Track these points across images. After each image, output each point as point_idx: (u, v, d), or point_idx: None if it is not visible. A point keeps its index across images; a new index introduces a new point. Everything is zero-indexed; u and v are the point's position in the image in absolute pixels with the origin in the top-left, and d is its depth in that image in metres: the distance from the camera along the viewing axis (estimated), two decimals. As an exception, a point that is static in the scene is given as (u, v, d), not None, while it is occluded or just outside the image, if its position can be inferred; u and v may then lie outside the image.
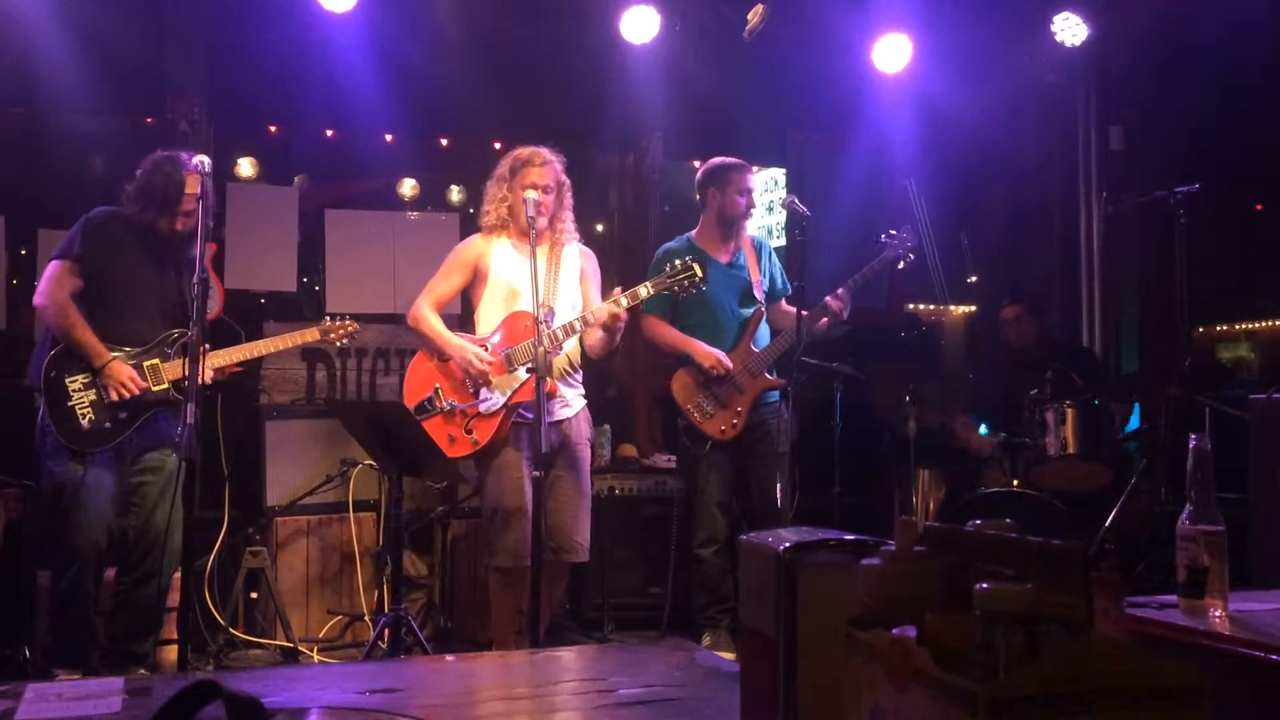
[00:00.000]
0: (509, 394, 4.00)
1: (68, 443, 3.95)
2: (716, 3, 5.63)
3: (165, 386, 4.07)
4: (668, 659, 1.59)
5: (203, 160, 3.63)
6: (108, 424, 3.99)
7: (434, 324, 4.16)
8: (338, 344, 4.54)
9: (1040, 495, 4.67)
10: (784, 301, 4.98)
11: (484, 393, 4.04)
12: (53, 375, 3.96)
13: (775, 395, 4.84)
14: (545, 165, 4.11)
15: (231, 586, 4.70)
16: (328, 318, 4.49)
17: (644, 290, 4.09)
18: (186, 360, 4.00)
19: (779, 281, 5.02)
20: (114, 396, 3.96)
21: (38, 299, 4.05)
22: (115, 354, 4.00)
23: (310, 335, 4.40)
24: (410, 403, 4.09)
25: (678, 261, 4.13)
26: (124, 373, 3.97)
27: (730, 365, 4.68)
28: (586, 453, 4.22)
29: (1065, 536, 0.75)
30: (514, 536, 3.92)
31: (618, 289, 4.08)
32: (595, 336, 4.12)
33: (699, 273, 4.07)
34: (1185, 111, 6.25)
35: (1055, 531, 0.77)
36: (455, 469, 4.18)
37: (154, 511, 4.09)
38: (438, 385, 4.10)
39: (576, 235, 4.27)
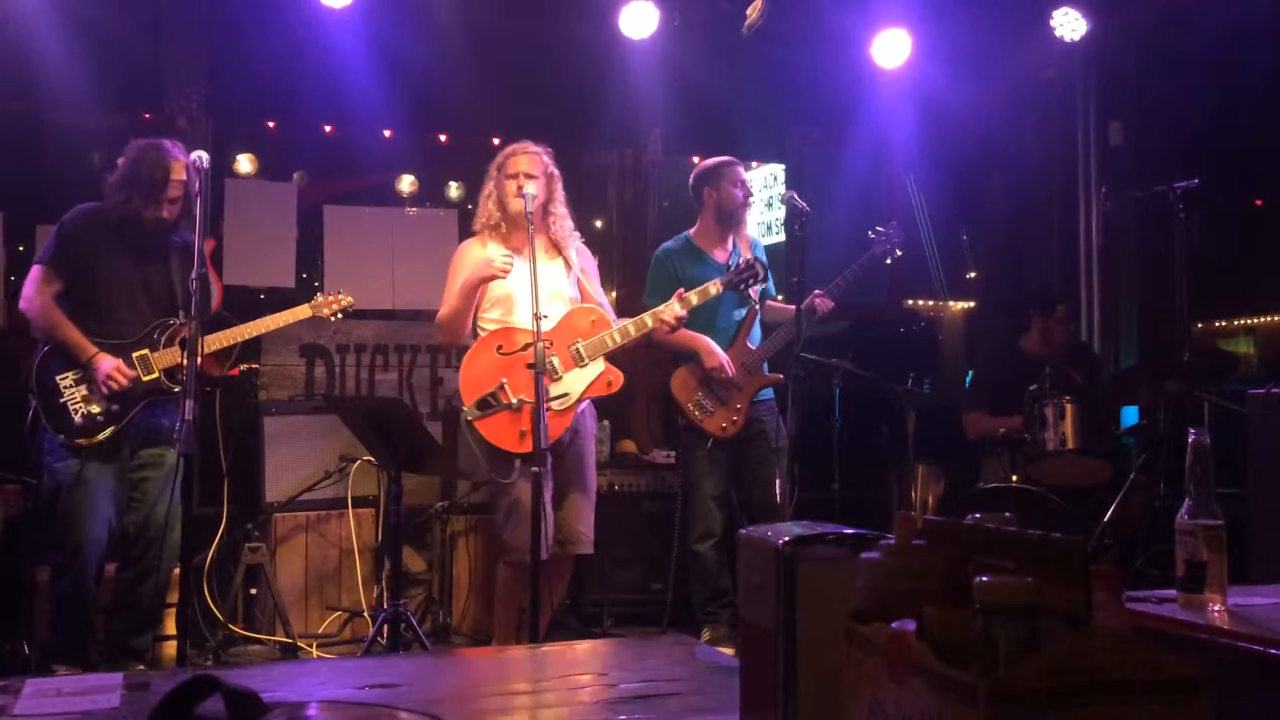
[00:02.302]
0: (581, 388, 3.99)
1: (63, 439, 3.95)
2: (716, -2, 5.63)
3: (156, 376, 4.06)
4: (667, 653, 1.59)
5: (201, 156, 3.62)
6: (101, 418, 3.99)
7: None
8: (332, 318, 4.44)
9: (1039, 490, 4.67)
10: (770, 300, 5.03)
11: (556, 389, 4.00)
12: (43, 374, 3.97)
13: (771, 392, 4.86)
14: (529, 154, 4.12)
15: (230, 582, 4.70)
16: (319, 294, 4.47)
17: (714, 289, 4.30)
18: (177, 349, 4.04)
19: (769, 283, 5.04)
20: (103, 390, 3.96)
21: (21, 304, 4.06)
22: (102, 347, 4.00)
23: (302, 312, 4.33)
24: (470, 398, 3.91)
25: (741, 262, 4.37)
26: (110, 364, 3.97)
27: (732, 371, 4.70)
28: (592, 446, 4.27)
29: (1064, 531, 0.75)
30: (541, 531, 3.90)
31: (681, 290, 4.21)
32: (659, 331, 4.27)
33: (760, 271, 4.32)
34: (1185, 107, 6.24)
35: (1054, 527, 0.76)
36: (455, 464, 4.17)
37: (154, 507, 4.09)
38: (504, 380, 3.92)
39: (578, 236, 4.28)
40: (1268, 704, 1.77)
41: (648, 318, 4.11)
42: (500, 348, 4.01)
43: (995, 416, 5.21)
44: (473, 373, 3.98)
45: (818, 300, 4.82)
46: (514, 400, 3.88)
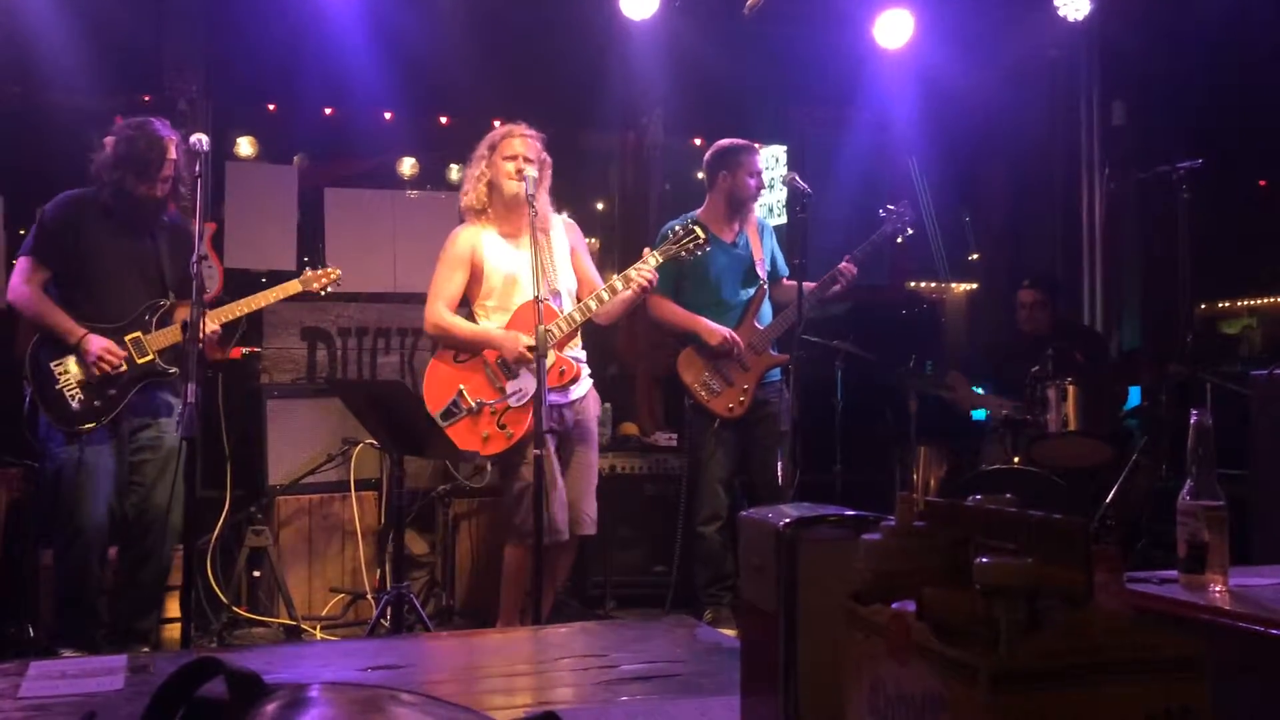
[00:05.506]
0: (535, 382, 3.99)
1: (61, 425, 3.95)
2: (717, -22, 5.60)
3: (150, 358, 4.05)
4: (669, 635, 1.59)
5: (201, 139, 3.62)
6: (97, 402, 3.98)
7: (462, 323, 4.14)
8: (322, 292, 4.43)
9: (1041, 472, 4.67)
10: (783, 280, 5.00)
11: (511, 385, 4.02)
12: (37, 361, 3.97)
13: (777, 373, 4.85)
14: (526, 138, 4.08)
15: (234, 565, 4.71)
16: (307, 269, 4.45)
17: (652, 260, 4.12)
18: (170, 330, 4.03)
19: (778, 263, 5.02)
20: (96, 371, 3.95)
21: (9, 295, 4.06)
22: (93, 331, 3.98)
23: (292, 288, 4.31)
24: (435, 409, 4.03)
25: (678, 227, 4.17)
26: (99, 345, 3.95)
27: (739, 341, 4.68)
28: (595, 428, 4.28)
29: (1066, 513, 0.75)
30: (544, 513, 3.91)
31: (648, 249, 4.09)
32: (611, 309, 4.13)
33: (701, 235, 4.13)
34: (1188, 87, 6.21)
35: (1056, 508, 0.76)
36: (457, 448, 4.17)
37: (153, 489, 4.09)
38: (461, 386, 4.05)
39: (553, 210, 4.23)
40: (1269, 684, 1.78)
41: (617, 281, 4.03)
42: (456, 356, 4.10)
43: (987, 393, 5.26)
44: (434, 386, 4.10)
45: (843, 266, 4.80)
46: (473, 404, 4.02)
